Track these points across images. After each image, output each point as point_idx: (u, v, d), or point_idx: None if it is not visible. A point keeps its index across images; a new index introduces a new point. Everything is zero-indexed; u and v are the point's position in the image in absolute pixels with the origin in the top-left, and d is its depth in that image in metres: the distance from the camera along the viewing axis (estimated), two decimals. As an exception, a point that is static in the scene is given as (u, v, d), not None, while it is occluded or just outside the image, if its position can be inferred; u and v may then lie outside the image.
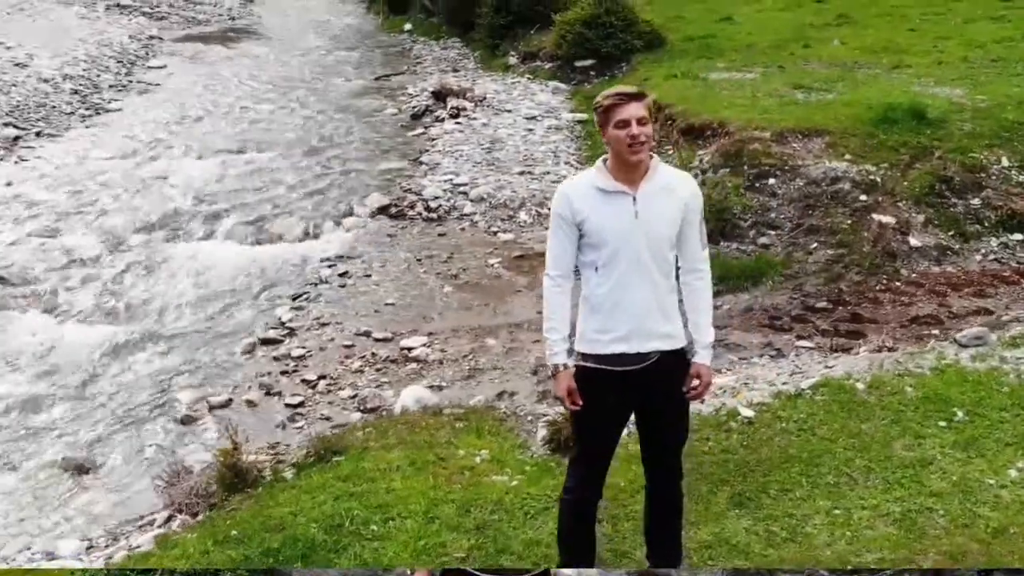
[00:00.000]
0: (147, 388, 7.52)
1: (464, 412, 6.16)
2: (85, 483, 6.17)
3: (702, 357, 3.58)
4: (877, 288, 8.44)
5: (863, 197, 9.58)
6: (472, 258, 9.73)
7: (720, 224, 9.70)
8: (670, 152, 11.60)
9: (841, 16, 17.97)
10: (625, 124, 3.32)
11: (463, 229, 10.55)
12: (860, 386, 5.43)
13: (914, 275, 8.60)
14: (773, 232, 9.60)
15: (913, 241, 9.02)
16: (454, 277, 9.31)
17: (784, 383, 5.76)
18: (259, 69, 20.60)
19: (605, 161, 3.48)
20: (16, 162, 13.15)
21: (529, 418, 6.08)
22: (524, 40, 19.27)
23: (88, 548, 5.22)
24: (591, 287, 3.48)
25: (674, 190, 3.47)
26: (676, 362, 3.53)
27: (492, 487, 4.79)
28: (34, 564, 4.88)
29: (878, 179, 9.72)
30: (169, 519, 5.46)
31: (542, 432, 5.69)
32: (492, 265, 9.54)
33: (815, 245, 9.23)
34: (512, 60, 19.03)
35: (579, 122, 14.31)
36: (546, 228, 10.18)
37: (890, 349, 6.87)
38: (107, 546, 5.28)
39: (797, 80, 12.98)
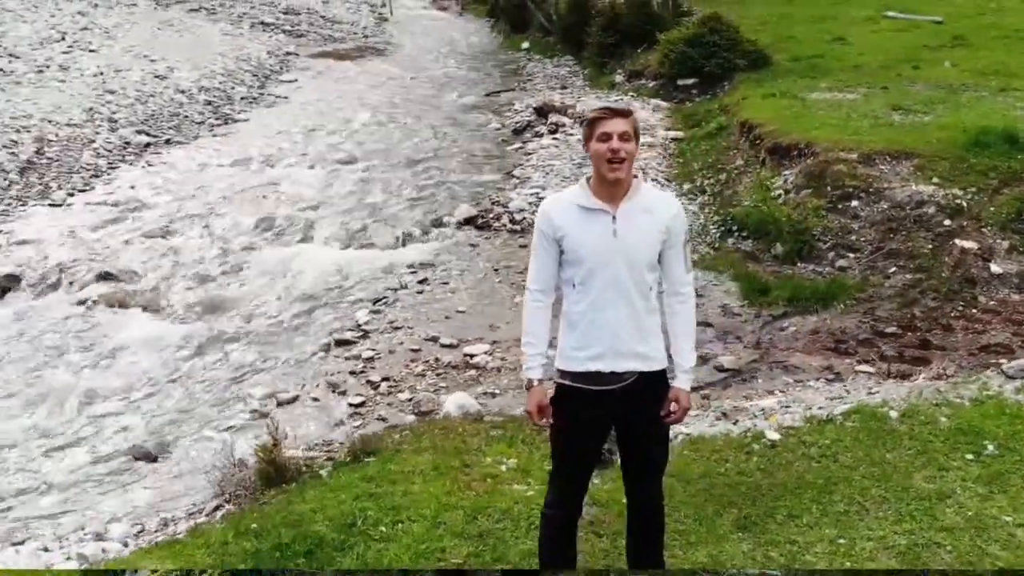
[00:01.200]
0: (225, 383, 7.78)
1: (503, 421, 6.11)
2: (150, 470, 6.41)
3: (681, 381, 3.46)
4: (951, 315, 7.99)
5: (947, 222, 9.11)
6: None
7: (797, 246, 9.40)
8: (754, 171, 11.32)
9: (957, 38, 17.14)
10: (607, 138, 3.24)
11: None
12: (893, 414, 5.14)
13: (992, 303, 8.11)
14: (852, 255, 9.23)
15: (995, 268, 8.51)
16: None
17: (820, 407, 5.52)
18: (381, 84, 21.09)
19: (588, 179, 3.40)
20: (143, 167, 13.84)
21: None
22: (631, 58, 19.12)
23: (138, 532, 5.38)
24: (569, 303, 3.41)
25: (655, 211, 3.35)
26: (656, 384, 3.41)
27: (506, 496, 4.74)
28: (83, 544, 5.05)
29: (964, 204, 9.23)
30: (216, 508, 5.61)
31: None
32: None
33: (893, 269, 8.82)
34: (618, 78, 18.90)
35: (674, 140, 14.09)
36: None
37: (949, 377, 6.50)
38: (156, 531, 5.45)
39: (897, 101, 12.45)
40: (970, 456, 4.63)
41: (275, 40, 26.87)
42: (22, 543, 5.19)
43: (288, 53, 25.29)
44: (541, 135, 14.85)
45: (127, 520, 5.60)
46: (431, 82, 21.45)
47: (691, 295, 3.48)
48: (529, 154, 13.81)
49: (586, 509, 4.56)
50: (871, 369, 7.09)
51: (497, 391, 7.18)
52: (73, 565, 4.62)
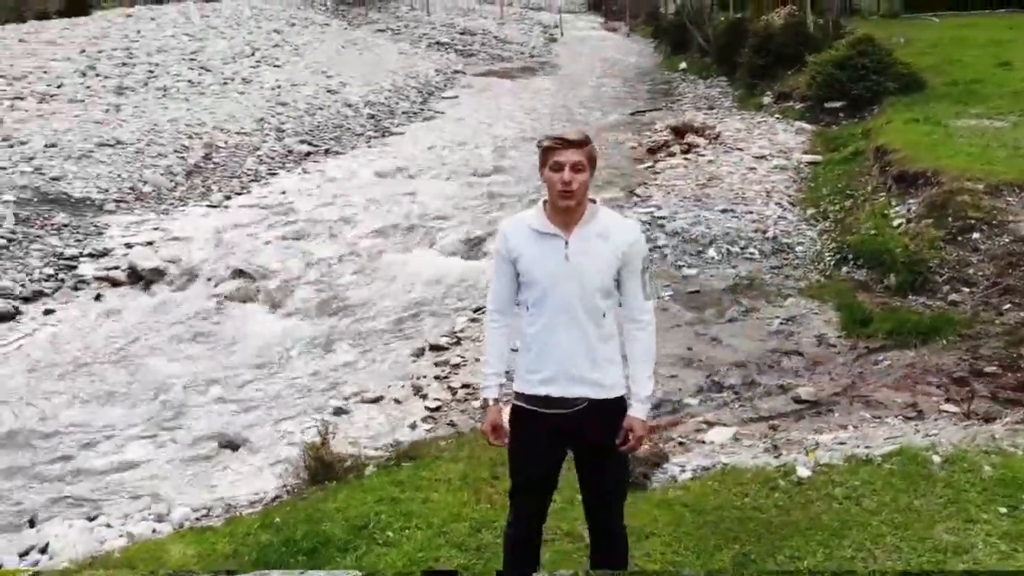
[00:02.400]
0: (320, 379, 8.03)
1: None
2: (232, 458, 6.69)
3: (636, 411, 3.27)
4: (1061, 359, 7.24)
5: (1074, 260, 8.28)
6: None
7: (911, 277, 8.78)
8: (880, 199, 10.66)
9: None
10: (559, 167, 3.11)
11: (651, 260, 10.28)
12: (936, 458, 4.69)
13: (1109, 351, 7.29)
14: (967, 289, 8.53)
15: (1119, 314, 7.66)
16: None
17: (868, 447, 5.12)
18: (536, 101, 21.30)
19: (545, 202, 3.30)
20: (299, 174, 14.52)
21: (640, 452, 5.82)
22: (781, 80, 18.46)
23: (200, 517, 5.60)
24: (524, 325, 3.30)
25: (610, 237, 3.19)
26: (611, 411, 3.25)
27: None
28: (140, 525, 5.32)
29: (1095, 242, 8.36)
30: (275, 499, 5.78)
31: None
32: (662, 297, 9.22)
33: (1008, 306, 8.08)
34: (767, 99, 18.30)
35: (809, 163, 13.48)
36: (734, 266, 9.75)
37: (1029, 425, 5.88)
38: (219, 516, 5.68)
39: (1047, 131, 11.45)
40: (1003, 509, 4.15)
41: (446, 59, 27.66)
42: (95, 518, 5.52)
43: (455, 71, 25.98)
44: (673, 155, 14.55)
45: (195, 503, 5.85)
46: (582, 100, 21.46)
47: (650, 323, 3.30)
48: (657, 173, 13.57)
49: (586, 532, 4.45)
50: (956, 409, 6.51)
51: (565, 406, 7.06)
52: (122, 543, 4.87)
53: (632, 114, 19.37)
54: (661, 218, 11.15)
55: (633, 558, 4.18)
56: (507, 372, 3.41)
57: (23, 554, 4.79)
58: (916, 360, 7.56)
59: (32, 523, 5.52)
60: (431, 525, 4.50)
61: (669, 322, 8.70)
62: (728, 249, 10.26)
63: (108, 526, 5.25)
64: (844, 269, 9.48)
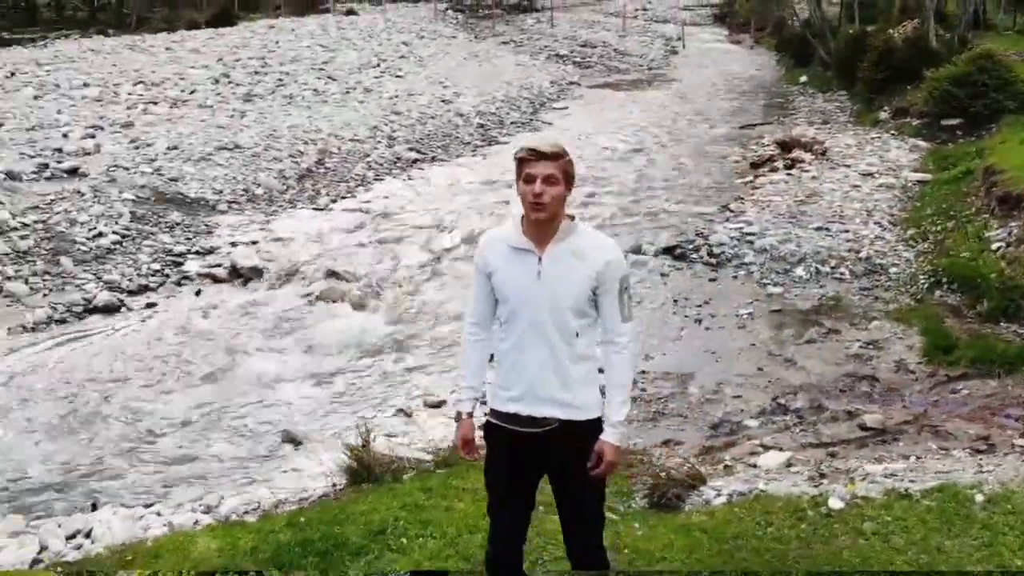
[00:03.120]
0: (391, 381, 8.08)
1: (596, 450, 5.85)
2: (293, 454, 6.80)
3: (607, 435, 3.09)
4: None
5: None
6: (727, 306, 9.14)
7: (1004, 303, 8.20)
8: (982, 221, 9.98)
9: None
10: (531, 180, 3.00)
11: (735, 277, 9.94)
12: (979, 497, 4.29)
13: None
14: (1065, 319, 7.90)
15: None
16: (697, 322, 8.83)
17: (912, 480, 4.75)
18: (645, 113, 20.98)
19: (523, 217, 3.16)
20: (404, 180, 14.74)
21: (658, 470, 5.62)
22: (900, 95, 17.58)
23: (246, 512, 5.65)
24: (498, 341, 3.19)
25: (585, 256, 3.02)
26: (584, 434, 3.10)
27: (533, 526, 4.53)
28: (188, 515, 5.44)
29: None
30: (322, 496, 5.83)
31: (643, 486, 5.26)
32: (741, 315, 8.90)
33: (1108, 340, 7.44)
34: (883, 115, 17.47)
35: (918, 182, 12.78)
36: (821, 285, 9.38)
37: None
38: (268, 510, 5.74)
39: None
40: (1042, 560, 3.77)
41: (562, 71, 27.59)
42: (151, 505, 5.69)
43: (570, 83, 25.87)
44: (776, 170, 14.05)
45: (247, 498, 5.93)
46: (693, 113, 21.00)
47: (626, 345, 3.12)
48: (756, 189, 13.13)
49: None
50: (1032, 446, 6.00)
51: (621, 420, 6.87)
52: (161, 532, 5.00)
53: (742, 127, 18.82)
54: (750, 235, 10.78)
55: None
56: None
57: (70, 537, 4.96)
58: (997, 391, 7.05)
59: (95, 507, 5.73)
60: (445, 535, 4.43)
61: (744, 341, 8.39)
62: (817, 268, 9.83)
63: (158, 514, 5.38)
64: (937, 293, 8.94)
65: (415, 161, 15.86)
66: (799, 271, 9.83)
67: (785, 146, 15.07)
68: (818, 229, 10.80)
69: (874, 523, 4.24)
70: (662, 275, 10.18)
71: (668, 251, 10.78)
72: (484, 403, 3.35)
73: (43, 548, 4.80)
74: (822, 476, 5.32)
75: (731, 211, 12.01)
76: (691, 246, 10.77)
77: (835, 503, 4.49)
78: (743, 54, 34.02)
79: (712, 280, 9.94)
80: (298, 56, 25.37)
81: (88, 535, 4.93)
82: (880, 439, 6.38)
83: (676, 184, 14.14)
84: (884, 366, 7.63)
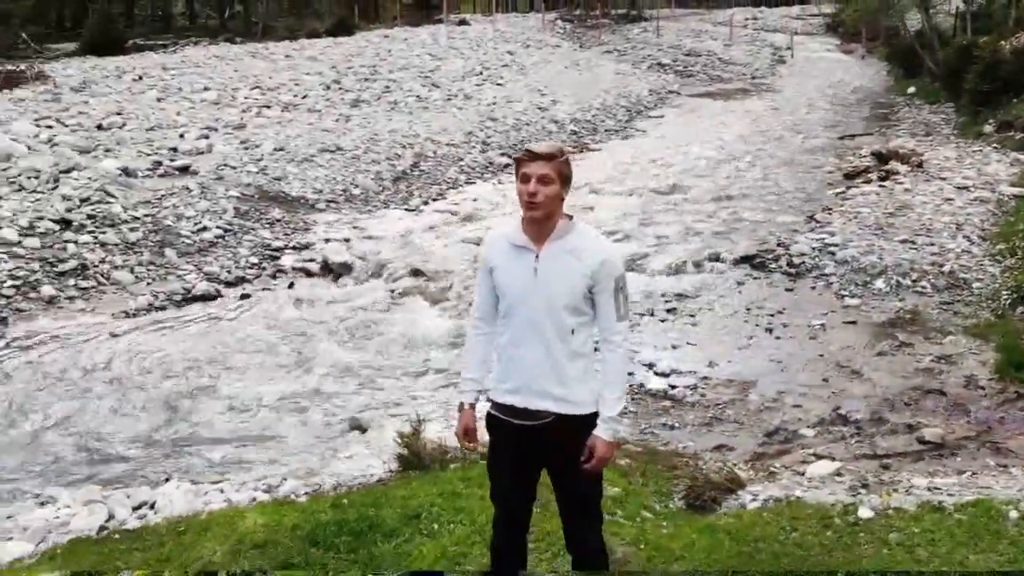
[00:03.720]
0: (455, 375, 8.24)
1: (641, 451, 5.86)
2: (358, 440, 7.02)
3: (600, 430, 3.13)
4: None
5: None
6: (801, 317, 8.94)
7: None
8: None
9: None
10: (526, 179, 3.07)
11: (813, 288, 9.71)
12: (1014, 514, 4.12)
13: None
14: None
15: None
16: (768, 331, 8.67)
17: (950, 495, 4.60)
18: (741, 122, 20.63)
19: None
20: (493, 184, 14.95)
21: (696, 473, 5.59)
22: (1006, 108, 16.78)
23: (309, 492, 5.86)
24: (498, 335, 3.28)
25: (581, 255, 3.09)
26: (579, 428, 3.14)
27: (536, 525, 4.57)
28: (248, 494, 5.69)
29: None
30: (379, 482, 6.01)
31: (681, 486, 5.25)
32: (813, 326, 8.69)
33: None
34: (988, 128, 16.70)
35: (1015, 196, 12.19)
36: (901, 299, 9.15)
37: None
38: (327, 492, 5.95)
39: None
40: (1068, 584, 3.61)
41: (662, 79, 27.39)
42: (218, 482, 5.98)
43: (669, 91, 25.66)
44: (869, 181, 13.62)
45: (309, 479, 6.16)
46: (793, 123, 20.54)
47: (620, 344, 3.16)
48: (846, 200, 12.75)
49: (621, 549, 4.31)
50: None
51: (676, 425, 6.84)
52: (220, 507, 5.25)
53: (840, 138, 18.31)
54: (832, 246, 10.51)
55: (654, 578, 4.03)
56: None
57: (136, 508, 5.28)
58: (1072, 412, 6.69)
59: (168, 481, 6.06)
60: (475, 522, 4.53)
61: (812, 351, 8.21)
62: (898, 281, 9.51)
63: (221, 491, 5.65)
64: (1019, 309, 8.54)
65: (506, 166, 16.04)
66: (879, 283, 9.53)
67: (881, 157, 14.58)
68: (903, 242, 10.44)
69: (901, 534, 4.15)
70: (738, 283, 10.03)
71: (747, 260, 10.61)
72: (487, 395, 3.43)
73: (110, 517, 5.11)
74: (864, 487, 5.20)
75: (816, 221, 11.72)
76: (771, 256, 10.57)
77: (864, 512, 4.40)
78: (853, 64, 33.03)
79: (789, 290, 9.74)
80: (407, 64, 25.99)
81: (152, 507, 5.23)
82: (937, 453, 6.16)
83: (764, 193, 13.88)
84: (953, 381, 7.35)
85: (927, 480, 5.16)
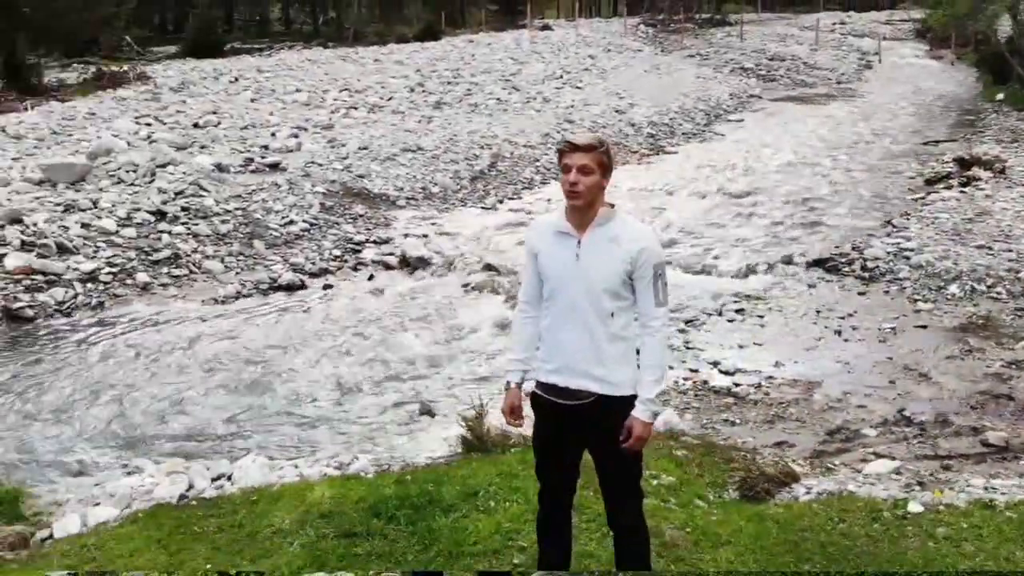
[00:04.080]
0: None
1: (699, 443, 5.91)
2: (428, 423, 7.23)
3: (638, 411, 3.21)
4: None
5: None
6: (871, 320, 8.81)
7: None
8: None
9: None
10: (567, 170, 3.18)
11: (886, 292, 9.55)
12: (1066, 514, 4.07)
13: None
14: None
15: None
16: (837, 333, 8.58)
17: (1004, 493, 4.53)
18: (823, 127, 20.27)
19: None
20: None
21: (759, 465, 5.61)
22: (1100, 114, 16.13)
23: (376, 471, 6.09)
24: (542, 318, 3.40)
25: (621, 242, 3.18)
26: (618, 410, 3.23)
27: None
28: (320, 469, 5.92)
29: None
30: (447, 463, 6.18)
31: (736, 478, 5.28)
32: (883, 329, 8.57)
33: None
34: (1079, 134, 16.09)
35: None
36: (975, 304, 9.03)
37: None
38: (395, 470, 6.14)
39: None
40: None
41: (744, 83, 27.06)
42: (293, 458, 6.25)
43: (750, 95, 25.34)
44: (950, 187, 13.29)
45: (380, 458, 6.37)
46: (877, 127, 20.09)
47: (659, 329, 3.24)
48: (925, 205, 12.49)
49: (669, 532, 4.39)
50: None
51: (737, 421, 6.85)
52: (293, 480, 5.50)
53: (924, 143, 17.85)
54: (908, 250, 10.33)
55: (701, 562, 4.11)
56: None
57: (215, 479, 5.57)
58: None
59: (247, 455, 6.35)
60: (529, 501, 4.65)
61: (881, 354, 8.10)
62: (973, 287, 9.30)
63: (295, 466, 5.91)
64: (1099, 318, 8.26)
65: (580, 168, 16.12)
66: (953, 288, 9.33)
67: (964, 163, 14.19)
68: (980, 247, 10.19)
69: (948, 528, 4.13)
70: (809, 286, 9.93)
71: (820, 263, 10.49)
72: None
73: (190, 486, 5.41)
74: (920, 484, 5.16)
75: (893, 226, 11.50)
76: (844, 259, 10.43)
77: (914, 507, 4.39)
78: (941, 70, 32.07)
79: (861, 294, 9.61)
80: (489, 68, 26.30)
81: (229, 478, 5.51)
82: (1000, 456, 6.04)
83: (842, 198, 13.67)
84: (1023, 386, 7.17)
85: (984, 480, 5.08)
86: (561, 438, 3.39)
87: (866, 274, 10.03)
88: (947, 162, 15.04)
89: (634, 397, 3.25)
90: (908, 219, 11.75)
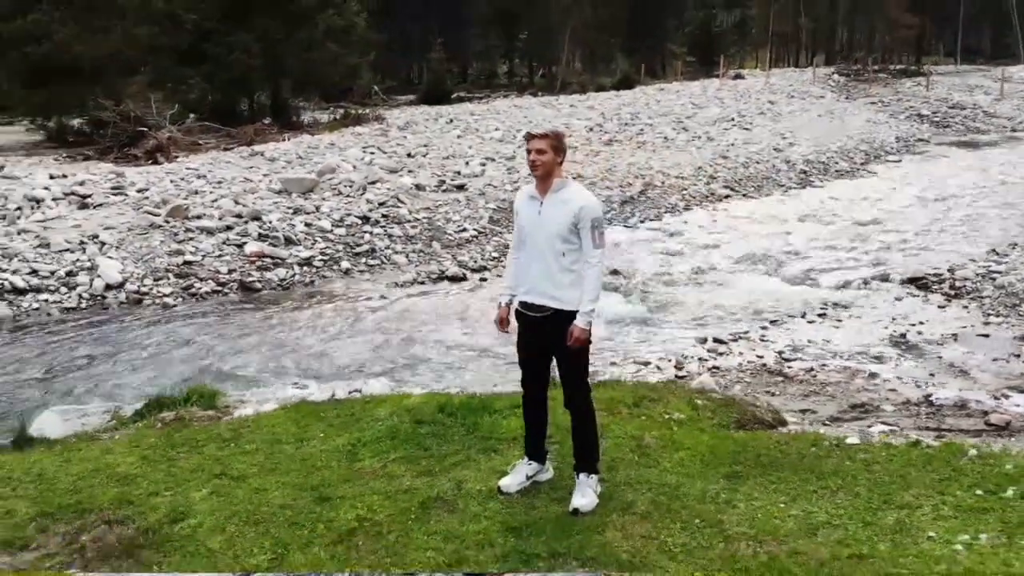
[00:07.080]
0: (616, 347, 9.29)
1: (721, 399, 6.63)
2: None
3: (577, 320, 4.13)
4: None
5: None
6: (939, 328, 8.94)
7: None
8: None
9: None
10: (529, 152, 4.22)
11: (965, 307, 9.60)
12: (973, 452, 4.45)
13: None
14: None
15: None
16: (903, 336, 8.84)
17: (939, 438, 4.98)
18: (975, 169, 19.42)
19: None
20: (708, 210, 15.66)
21: (758, 413, 6.25)
22: None
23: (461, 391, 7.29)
24: (521, 257, 4.43)
25: (569, 203, 4.12)
26: (568, 319, 4.15)
27: (625, 426, 5.52)
28: (423, 388, 7.20)
29: None
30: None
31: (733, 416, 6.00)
32: (945, 335, 8.73)
33: None
34: None
35: None
36: None
37: None
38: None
39: None
40: (980, 492, 3.99)
41: (915, 128, 26.09)
42: (409, 382, 7.61)
43: (918, 139, 24.45)
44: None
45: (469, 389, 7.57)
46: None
47: (595, 264, 4.13)
48: (1039, 237, 12.11)
49: (648, 438, 5.23)
50: None
51: (777, 393, 7.44)
52: (401, 392, 6.83)
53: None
54: (996, 272, 10.27)
55: (660, 458, 4.94)
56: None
57: (351, 392, 7.01)
58: None
59: (379, 377, 7.79)
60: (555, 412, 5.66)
61: (933, 354, 8.31)
62: (1048, 306, 9.19)
63: (403, 386, 7.27)
64: None
65: (726, 196, 16.64)
66: (1028, 306, 9.26)
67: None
68: (1071, 274, 9.95)
69: (868, 455, 4.69)
70: (896, 299, 10.13)
71: (913, 281, 10.62)
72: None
73: (333, 395, 6.88)
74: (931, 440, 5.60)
75: (996, 253, 11.33)
76: (936, 279, 10.51)
77: (852, 440, 4.96)
78: None
79: (941, 307, 9.72)
80: (668, 111, 27.06)
81: (359, 392, 6.94)
82: (997, 434, 6.31)
83: (964, 230, 13.41)
84: (1057, 385, 7.24)
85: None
86: (533, 340, 4.43)
87: (952, 291, 10.09)
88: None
89: (577, 311, 4.25)
90: (1013, 248, 11.49)
